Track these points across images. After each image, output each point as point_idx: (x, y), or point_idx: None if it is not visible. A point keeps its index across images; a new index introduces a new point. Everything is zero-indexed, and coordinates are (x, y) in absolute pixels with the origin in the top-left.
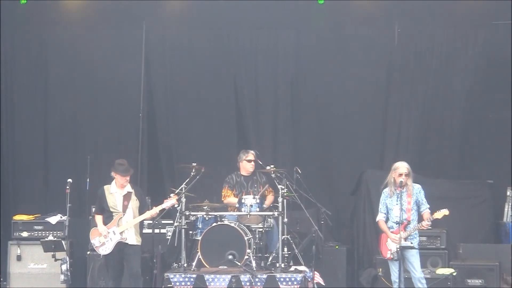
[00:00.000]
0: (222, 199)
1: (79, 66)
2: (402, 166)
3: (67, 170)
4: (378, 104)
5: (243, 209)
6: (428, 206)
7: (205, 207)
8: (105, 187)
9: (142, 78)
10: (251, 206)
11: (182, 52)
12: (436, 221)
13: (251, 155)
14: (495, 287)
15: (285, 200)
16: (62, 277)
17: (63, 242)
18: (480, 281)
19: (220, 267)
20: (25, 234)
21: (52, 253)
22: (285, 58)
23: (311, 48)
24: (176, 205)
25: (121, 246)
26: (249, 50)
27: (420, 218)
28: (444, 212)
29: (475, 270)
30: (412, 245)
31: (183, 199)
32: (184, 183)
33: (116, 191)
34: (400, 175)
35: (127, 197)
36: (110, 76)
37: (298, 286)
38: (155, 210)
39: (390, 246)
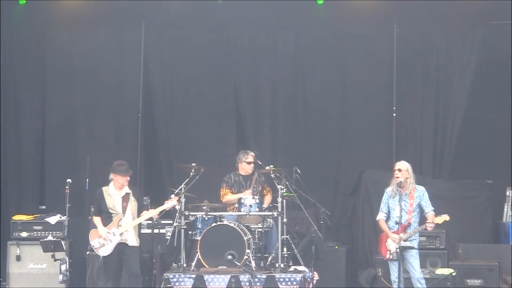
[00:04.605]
0: (221, 199)
1: (78, 66)
2: (399, 163)
3: (66, 170)
4: (378, 104)
5: (242, 209)
6: (433, 208)
7: (205, 207)
8: (103, 188)
9: (141, 78)
10: (251, 206)
11: (181, 52)
12: (436, 224)
13: (250, 157)
14: (494, 287)
15: (284, 200)
16: (60, 277)
17: (62, 242)
18: (479, 281)
19: (219, 267)
20: (24, 234)
21: (52, 253)
22: (284, 58)
23: (310, 48)
24: (176, 206)
25: (120, 247)
26: (248, 50)
27: (422, 221)
28: (445, 217)
29: (475, 270)
30: (411, 245)
31: (183, 199)
32: (184, 183)
33: (115, 192)
34: (394, 171)
35: (125, 198)
36: (109, 76)
37: (298, 286)
38: (155, 211)
39: (389, 246)
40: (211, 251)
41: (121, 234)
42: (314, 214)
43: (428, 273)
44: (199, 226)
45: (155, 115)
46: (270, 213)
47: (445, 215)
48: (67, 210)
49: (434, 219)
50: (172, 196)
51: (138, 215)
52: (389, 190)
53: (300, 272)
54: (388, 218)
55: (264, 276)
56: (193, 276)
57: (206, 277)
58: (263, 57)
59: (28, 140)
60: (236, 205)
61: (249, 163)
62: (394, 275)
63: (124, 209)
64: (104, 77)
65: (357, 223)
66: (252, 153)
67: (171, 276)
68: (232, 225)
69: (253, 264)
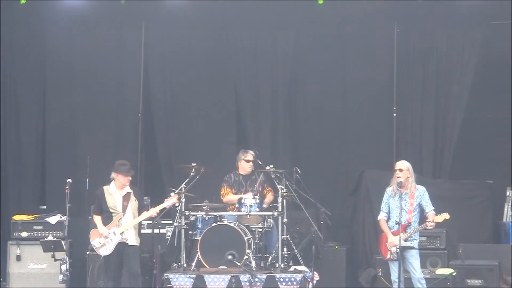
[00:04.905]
0: (222, 198)
1: (78, 66)
2: (399, 163)
3: (66, 170)
4: (378, 104)
5: (242, 209)
6: (433, 208)
7: (205, 207)
8: (104, 187)
9: (142, 78)
10: (251, 206)
11: (181, 52)
12: (436, 222)
13: (249, 155)
14: (494, 287)
15: (284, 200)
16: (61, 277)
17: (62, 242)
18: (479, 281)
19: (219, 267)
20: (24, 234)
21: (52, 253)
22: (284, 58)
23: (310, 48)
24: (176, 204)
25: (120, 247)
26: (248, 50)
27: (422, 221)
28: (445, 216)
29: (475, 270)
30: (412, 245)
31: (183, 199)
32: (184, 183)
33: (116, 191)
34: (395, 171)
35: (126, 197)
36: (109, 76)
37: (298, 286)
38: (156, 209)
39: (390, 246)
40: (211, 251)
41: (121, 233)
42: (314, 214)
43: (429, 273)
44: (199, 226)
45: (155, 115)
46: (270, 213)
47: (445, 213)
48: (68, 210)
49: (435, 218)
50: (172, 194)
51: (139, 215)
52: (389, 190)
53: (300, 272)
54: (388, 218)
55: (264, 276)
56: (193, 276)
57: (206, 277)
58: (263, 57)
59: (28, 140)
60: (236, 205)
61: (247, 161)
62: (394, 275)
63: (124, 209)
64: (104, 77)
65: (357, 223)
66: (251, 152)
67: (171, 276)
68: (232, 225)
69: (253, 264)
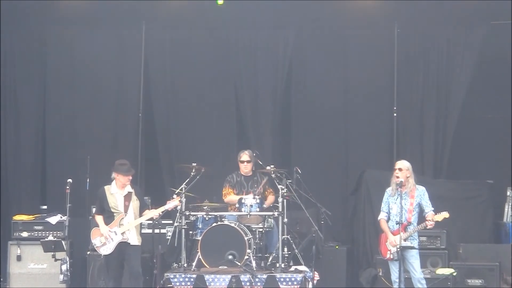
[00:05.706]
0: (223, 198)
1: (79, 66)
2: (399, 163)
3: (66, 170)
4: (378, 104)
5: (243, 209)
6: (432, 208)
7: (205, 207)
8: (106, 187)
9: (142, 78)
10: (251, 206)
11: (182, 52)
12: (436, 221)
13: (244, 155)
14: (495, 287)
15: (285, 200)
16: (61, 277)
17: (63, 242)
18: (480, 281)
19: (220, 267)
20: (25, 234)
21: (52, 253)
22: (284, 58)
23: (310, 48)
24: (178, 206)
25: (122, 246)
26: (248, 50)
27: (422, 221)
28: (444, 215)
29: (475, 270)
30: (412, 245)
31: (183, 199)
32: (184, 183)
33: (117, 191)
34: (394, 170)
35: (127, 197)
36: (110, 76)
37: (298, 286)
38: (158, 211)
39: (390, 246)
40: (212, 251)
41: (122, 233)
42: (315, 214)
43: (429, 273)
44: (200, 226)
45: (156, 115)
46: (271, 213)
47: (445, 212)
48: (68, 210)
49: (434, 217)
50: (174, 196)
51: (140, 214)
52: (389, 190)
53: (300, 272)
54: (388, 218)
55: (264, 276)
56: (194, 276)
57: (206, 277)
58: (263, 57)
59: (29, 140)
60: (237, 205)
61: (242, 162)
62: (394, 275)
63: (126, 208)
64: (104, 77)
65: (357, 223)
66: (247, 152)
67: (172, 276)
68: (232, 225)
69: (253, 264)
